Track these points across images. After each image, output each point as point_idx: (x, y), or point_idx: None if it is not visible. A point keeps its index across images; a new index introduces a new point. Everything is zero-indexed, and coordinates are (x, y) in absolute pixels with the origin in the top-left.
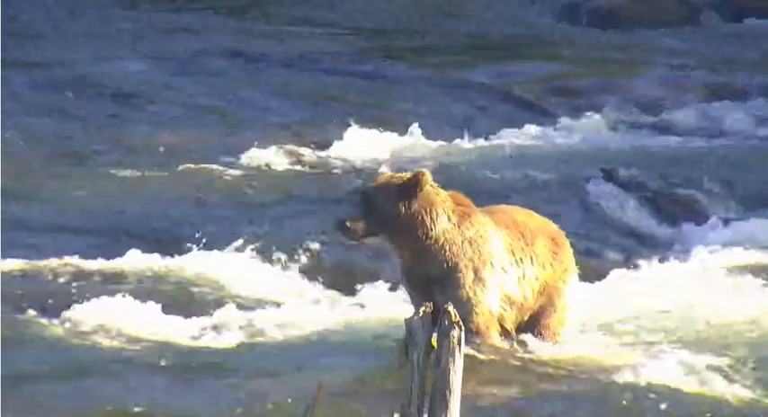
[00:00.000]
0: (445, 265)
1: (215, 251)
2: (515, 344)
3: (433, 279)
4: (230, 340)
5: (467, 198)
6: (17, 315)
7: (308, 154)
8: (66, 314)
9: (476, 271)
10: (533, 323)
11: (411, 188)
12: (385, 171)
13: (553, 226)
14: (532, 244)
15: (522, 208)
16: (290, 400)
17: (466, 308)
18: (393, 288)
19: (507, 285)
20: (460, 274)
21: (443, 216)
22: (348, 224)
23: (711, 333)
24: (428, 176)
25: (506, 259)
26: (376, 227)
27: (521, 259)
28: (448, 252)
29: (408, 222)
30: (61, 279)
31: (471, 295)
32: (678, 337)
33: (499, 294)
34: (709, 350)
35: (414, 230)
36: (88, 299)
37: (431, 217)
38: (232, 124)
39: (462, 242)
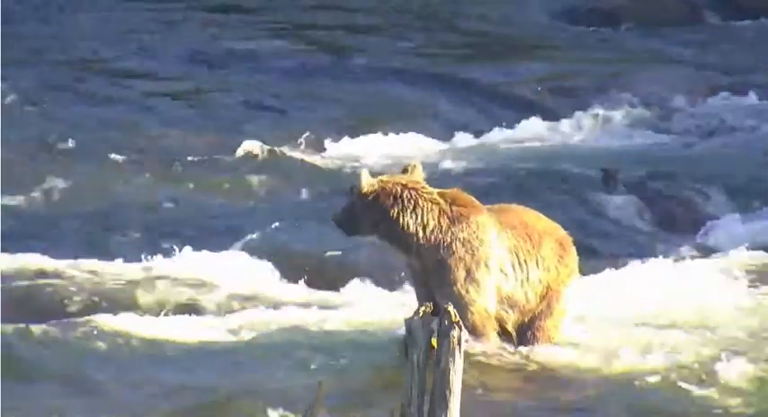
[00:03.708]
0: (435, 264)
1: (214, 251)
2: (515, 344)
3: (430, 277)
4: (229, 340)
5: (470, 196)
6: (17, 316)
7: (307, 154)
8: (65, 315)
9: (468, 271)
10: (528, 325)
11: (372, 193)
12: (365, 170)
13: (561, 231)
14: (539, 247)
15: (530, 209)
16: (290, 400)
17: (460, 307)
18: (393, 289)
19: (507, 287)
20: (451, 273)
21: (422, 216)
22: (343, 222)
23: (712, 333)
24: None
25: (508, 260)
26: (362, 227)
27: (525, 261)
28: (436, 252)
29: (387, 223)
30: (59, 280)
31: (464, 293)
32: (678, 337)
33: (497, 295)
34: (709, 350)
35: (392, 231)
36: (87, 300)
37: (404, 219)
38: (231, 124)
39: (452, 242)
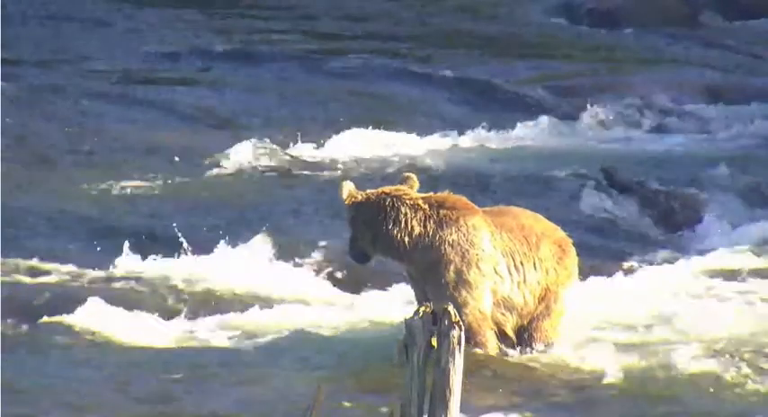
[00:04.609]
0: (427, 268)
1: (214, 252)
2: (515, 345)
3: (424, 281)
4: (230, 341)
5: (462, 198)
6: (19, 318)
7: (308, 153)
8: (65, 316)
9: (459, 273)
10: (526, 326)
11: (355, 204)
12: (346, 182)
13: (560, 232)
14: (537, 249)
15: (529, 211)
16: (289, 401)
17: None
18: (393, 288)
19: (504, 289)
20: (442, 276)
21: (406, 223)
22: (351, 250)
23: (711, 334)
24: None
25: (503, 263)
26: (364, 244)
27: (521, 263)
28: (426, 257)
29: (375, 234)
30: (60, 282)
31: (456, 295)
32: (677, 337)
33: (492, 297)
34: (708, 351)
35: (381, 240)
36: (88, 301)
37: (389, 227)
38: (232, 124)
39: (440, 245)
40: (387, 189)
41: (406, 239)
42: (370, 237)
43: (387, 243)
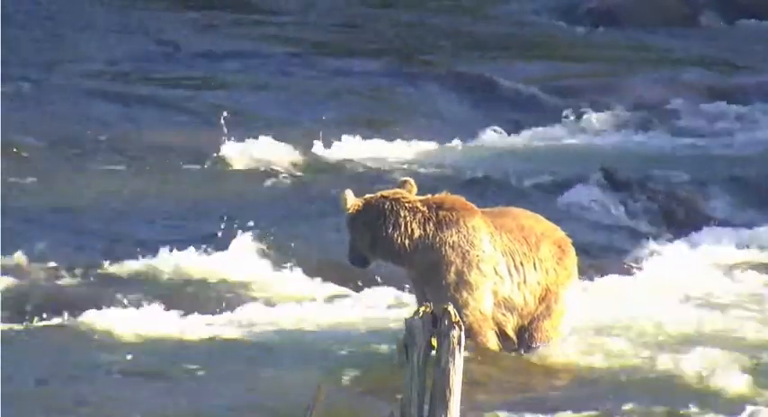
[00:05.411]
0: (427, 270)
1: (212, 252)
2: (515, 346)
3: (425, 283)
4: (229, 341)
5: (461, 199)
6: (19, 318)
7: (308, 153)
8: (66, 316)
9: (459, 274)
10: (527, 326)
11: (356, 211)
12: (347, 191)
13: (560, 233)
14: (537, 249)
15: (529, 211)
16: (289, 401)
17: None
18: (394, 288)
19: (504, 289)
20: (442, 278)
21: (406, 225)
22: (351, 254)
23: (710, 333)
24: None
25: (503, 263)
26: (363, 248)
27: (521, 263)
28: (426, 258)
29: (376, 238)
30: (62, 281)
31: (457, 296)
32: (677, 337)
33: (493, 298)
34: (708, 350)
35: (382, 245)
36: (89, 300)
37: (389, 231)
38: (232, 124)
39: (441, 247)
40: (385, 192)
41: (407, 242)
42: (370, 241)
43: (386, 247)
